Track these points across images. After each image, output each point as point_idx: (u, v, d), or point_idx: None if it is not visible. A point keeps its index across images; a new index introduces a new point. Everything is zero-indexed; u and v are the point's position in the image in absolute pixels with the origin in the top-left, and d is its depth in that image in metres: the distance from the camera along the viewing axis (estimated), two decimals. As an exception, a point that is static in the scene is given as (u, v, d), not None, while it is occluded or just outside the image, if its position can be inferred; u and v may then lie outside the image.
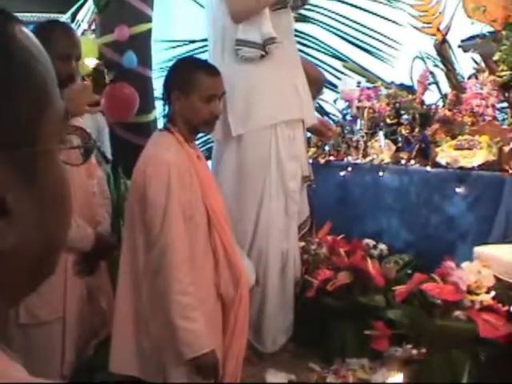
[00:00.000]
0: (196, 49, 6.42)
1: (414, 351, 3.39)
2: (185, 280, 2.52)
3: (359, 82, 5.10)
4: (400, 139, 4.46)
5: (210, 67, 2.80)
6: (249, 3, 3.37)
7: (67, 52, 2.74)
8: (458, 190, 3.70)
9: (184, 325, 2.49)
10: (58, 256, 0.74)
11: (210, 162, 3.49)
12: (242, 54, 3.39)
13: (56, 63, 2.91)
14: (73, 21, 5.93)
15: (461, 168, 3.74)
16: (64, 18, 5.93)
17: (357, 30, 6.14)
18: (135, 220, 2.60)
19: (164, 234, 2.51)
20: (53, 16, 5.71)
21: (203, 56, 5.88)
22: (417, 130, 4.30)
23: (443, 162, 3.85)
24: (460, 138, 3.93)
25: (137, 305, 2.63)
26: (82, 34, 5.83)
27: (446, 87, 5.10)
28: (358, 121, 4.72)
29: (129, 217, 2.68)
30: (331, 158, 4.77)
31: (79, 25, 5.90)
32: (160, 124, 5.71)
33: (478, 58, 4.63)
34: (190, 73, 2.72)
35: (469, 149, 3.79)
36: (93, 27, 5.79)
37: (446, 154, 3.87)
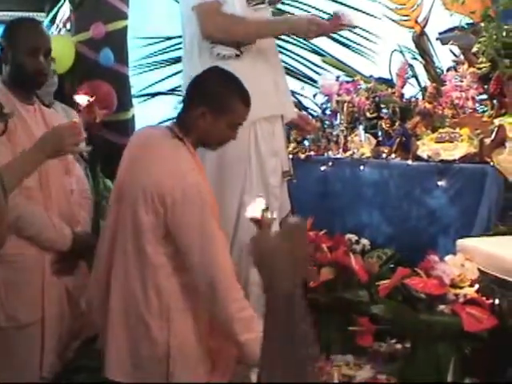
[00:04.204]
0: (172, 45, 6.37)
1: (399, 346, 3.38)
2: (240, 296, 2.52)
3: (338, 77, 5.08)
4: (380, 133, 4.44)
5: (246, 94, 2.73)
6: (221, 33, 3.31)
7: (34, 46, 2.70)
8: (439, 183, 3.68)
9: (252, 336, 2.43)
10: None
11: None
12: (217, 51, 3.34)
13: (23, 59, 2.87)
14: (52, 20, 5.88)
15: (442, 161, 3.72)
16: (42, 16, 5.87)
17: (335, 24, 6.10)
18: (142, 229, 2.52)
19: (206, 257, 2.48)
20: (32, 14, 5.63)
21: (179, 53, 5.87)
22: (397, 123, 4.27)
23: (424, 156, 3.83)
24: (441, 130, 3.91)
25: (140, 310, 2.56)
26: (58, 32, 5.78)
27: (425, 80, 5.09)
28: (338, 115, 4.69)
29: (130, 223, 2.56)
30: (311, 153, 4.74)
31: (58, 24, 5.85)
32: (138, 122, 5.67)
33: (456, 50, 4.62)
34: (227, 96, 2.67)
35: (450, 141, 3.77)
36: (68, 26, 5.74)
37: (426, 147, 3.85)
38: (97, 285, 2.70)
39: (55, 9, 5.88)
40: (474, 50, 4.20)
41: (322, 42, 6.24)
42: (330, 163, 4.50)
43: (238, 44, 3.34)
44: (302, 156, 4.70)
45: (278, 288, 1.23)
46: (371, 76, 5.07)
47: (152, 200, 2.48)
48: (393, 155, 4.10)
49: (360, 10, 5.86)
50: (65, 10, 5.80)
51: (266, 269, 1.27)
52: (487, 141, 3.63)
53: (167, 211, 2.47)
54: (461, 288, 3.02)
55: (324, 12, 6.09)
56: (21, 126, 2.65)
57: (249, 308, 2.54)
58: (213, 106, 2.62)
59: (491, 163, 3.55)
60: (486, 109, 4.18)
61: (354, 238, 3.97)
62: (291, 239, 1.28)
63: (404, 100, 4.52)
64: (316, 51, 6.30)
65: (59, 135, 2.52)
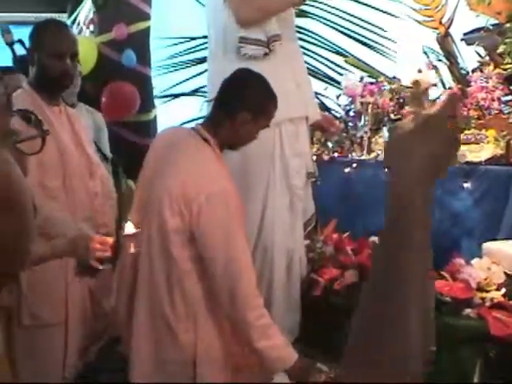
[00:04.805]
0: (196, 46, 6.36)
1: (423, 350, 3.34)
2: (258, 304, 2.53)
3: (362, 77, 5.05)
4: (404, 135, 4.39)
5: (276, 98, 2.76)
6: (257, 13, 3.31)
7: (60, 49, 2.71)
8: (465, 185, 3.64)
9: (268, 344, 2.49)
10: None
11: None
12: (245, 51, 3.34)
13: (49, 61, 2.86)
14: (74, 21, 5.90)
15: (467, 163, 3.68)
16: (64, 17, 5.89)
17: (358, 24, 6.07)
18: (168, 230, 2.51)
19: (229, 266, 2.47)
20: (55, 15, 5.65)
21: (203, 53, 5.87)
22: (421, 124, 4.24)
23: (450, 158, 3.79)
24: (466, 132, 3.87)
25: (165, 313, 2.55)
26: (81, 33, 5.79)
27: (449, 81, 5.04)
28: (362, 117, 4.66)
29: (156, 225, 2.56)
30: (335, 154, 4.71)
31: (80, 25, 5.87)
32: (161, 123, 5.67)
33: (482, 51, 4.57)
34: (268, 102, 2.72)
35: (476, 143, 3.73)
36: (91, 27, 5.75)
37: (452, 148, 3.81)
38: (122, 287, 2.70)
39: (77, 10, 5.89)
40: (500, 50, 4.16)
41: (344, 43, 6.22)
42: (354, 165, 4.46)
43: (268, 40, 3.33)
44: (326, 157, 4.68)
45: (400, 191, 0.97)
46: (394, 77, 5.04)
47: (177, 203, 2.47)
48: (417, 157, 4.06)
49: (384, 11, 5.84)
50: (87, 11, 5.82)
51: (395, 163, 1.01)
52: (514, 143, 3.60)
53: (192, 216, 2.46)
54: (487, 292, 2.99)
55: (347, 13, 6.09)
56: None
57: (267, 316, 2.55)
58: (256, 111, 2.65)
59: (518, 165, 3.51)
60: (511, 110, 4.13)
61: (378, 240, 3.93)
62: (431, 135, 1.00)
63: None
64: (338, 52, 6.26)
65: (87, 248, 2.37)
